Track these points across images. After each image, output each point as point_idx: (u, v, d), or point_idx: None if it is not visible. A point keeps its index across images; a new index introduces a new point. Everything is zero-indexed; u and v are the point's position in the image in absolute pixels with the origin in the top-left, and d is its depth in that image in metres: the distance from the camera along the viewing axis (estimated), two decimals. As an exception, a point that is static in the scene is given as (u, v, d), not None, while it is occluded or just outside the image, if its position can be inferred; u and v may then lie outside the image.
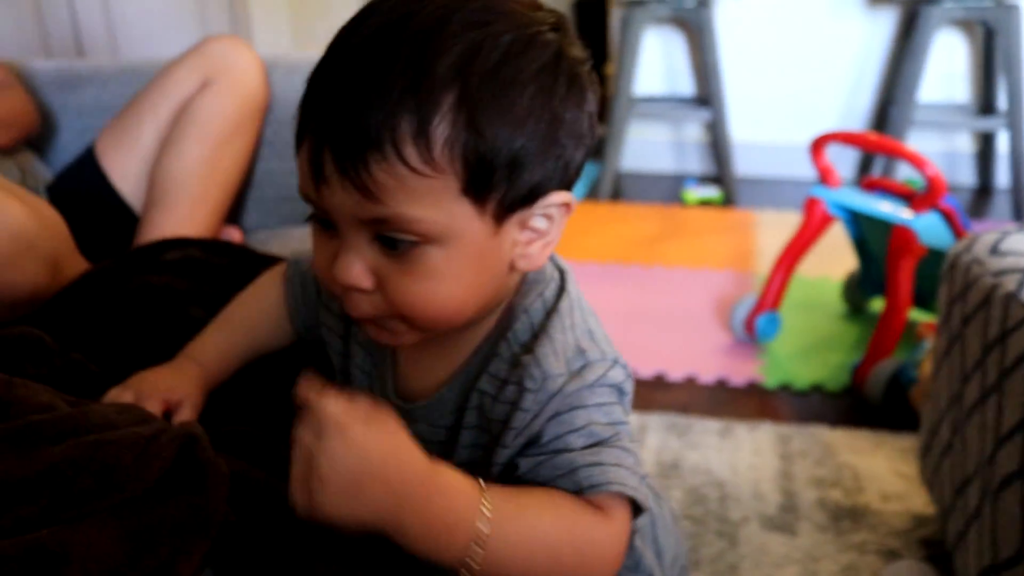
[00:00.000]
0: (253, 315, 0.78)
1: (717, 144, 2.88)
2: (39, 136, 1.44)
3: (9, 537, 0.49)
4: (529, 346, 0.60)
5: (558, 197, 0.57)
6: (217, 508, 0.55)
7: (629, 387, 0.62)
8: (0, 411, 0.57)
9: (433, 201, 0.52)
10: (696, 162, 3.20)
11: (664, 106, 3.01)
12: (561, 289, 0.63)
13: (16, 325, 0.73)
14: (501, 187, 0.53)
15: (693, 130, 3.18)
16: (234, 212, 1.43)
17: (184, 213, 1.26)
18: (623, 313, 2.02)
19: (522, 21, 0.54)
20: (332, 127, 0.51)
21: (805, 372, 1.74)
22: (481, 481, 0.54)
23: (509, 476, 0.59)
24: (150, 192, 1.29)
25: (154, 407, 0.67)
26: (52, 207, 1.00)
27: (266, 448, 0.67)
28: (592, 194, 2.93)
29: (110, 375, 0.72)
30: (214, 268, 0.94)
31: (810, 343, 1.86)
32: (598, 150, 3.43)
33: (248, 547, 0.58)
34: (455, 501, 0.52)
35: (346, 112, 0.51)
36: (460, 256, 0.54)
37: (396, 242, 0.53)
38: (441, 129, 0.50)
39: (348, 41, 0.53)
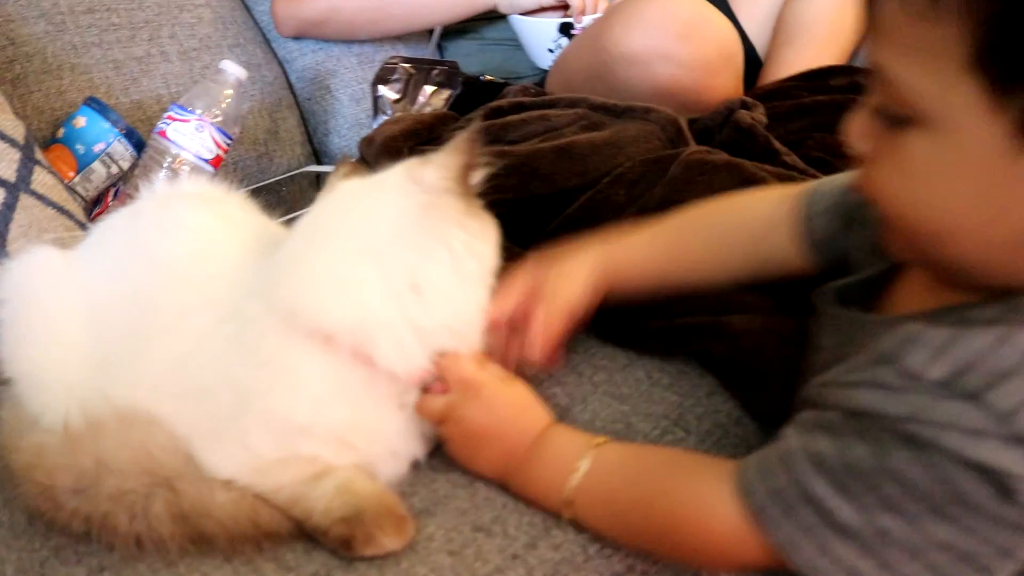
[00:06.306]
0: None
1: None
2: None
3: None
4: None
5: None
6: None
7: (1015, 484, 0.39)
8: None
9: (926, 62, 0.38)
10: None
11: None
12: None
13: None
14: None
15: None
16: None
17: (810, 56, 1.26)
18: None
19: None
20: None
21: None
22: (599, 443, 0.53)
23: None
24: (777, 34, 1.33)
25: None
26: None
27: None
28: None
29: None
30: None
31: None
32: None
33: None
34: (546, 472, 0.54)
35: None
36: (951, 158, 0.39)
37: (892, 117, 0.41)
38: None
39: None
